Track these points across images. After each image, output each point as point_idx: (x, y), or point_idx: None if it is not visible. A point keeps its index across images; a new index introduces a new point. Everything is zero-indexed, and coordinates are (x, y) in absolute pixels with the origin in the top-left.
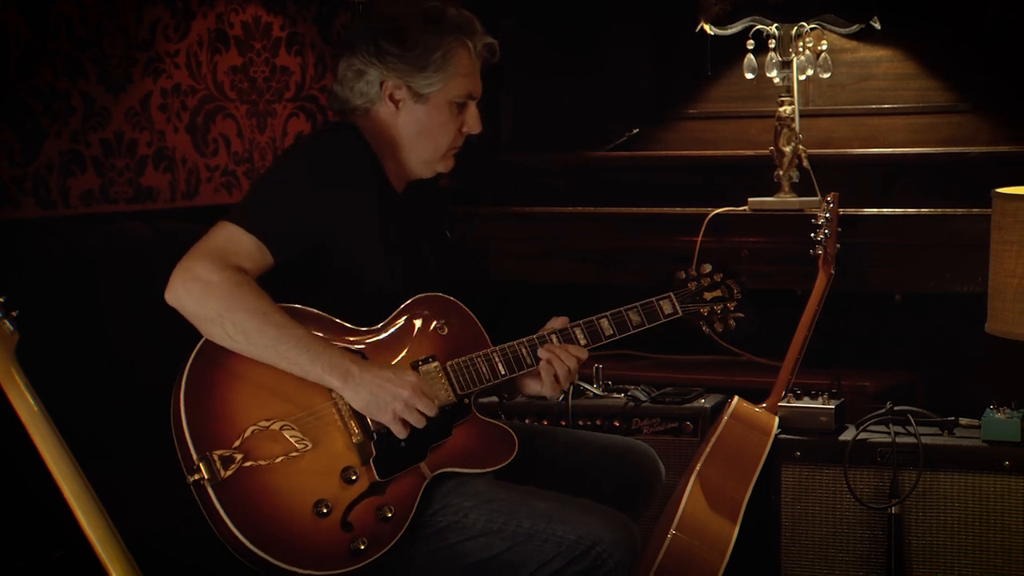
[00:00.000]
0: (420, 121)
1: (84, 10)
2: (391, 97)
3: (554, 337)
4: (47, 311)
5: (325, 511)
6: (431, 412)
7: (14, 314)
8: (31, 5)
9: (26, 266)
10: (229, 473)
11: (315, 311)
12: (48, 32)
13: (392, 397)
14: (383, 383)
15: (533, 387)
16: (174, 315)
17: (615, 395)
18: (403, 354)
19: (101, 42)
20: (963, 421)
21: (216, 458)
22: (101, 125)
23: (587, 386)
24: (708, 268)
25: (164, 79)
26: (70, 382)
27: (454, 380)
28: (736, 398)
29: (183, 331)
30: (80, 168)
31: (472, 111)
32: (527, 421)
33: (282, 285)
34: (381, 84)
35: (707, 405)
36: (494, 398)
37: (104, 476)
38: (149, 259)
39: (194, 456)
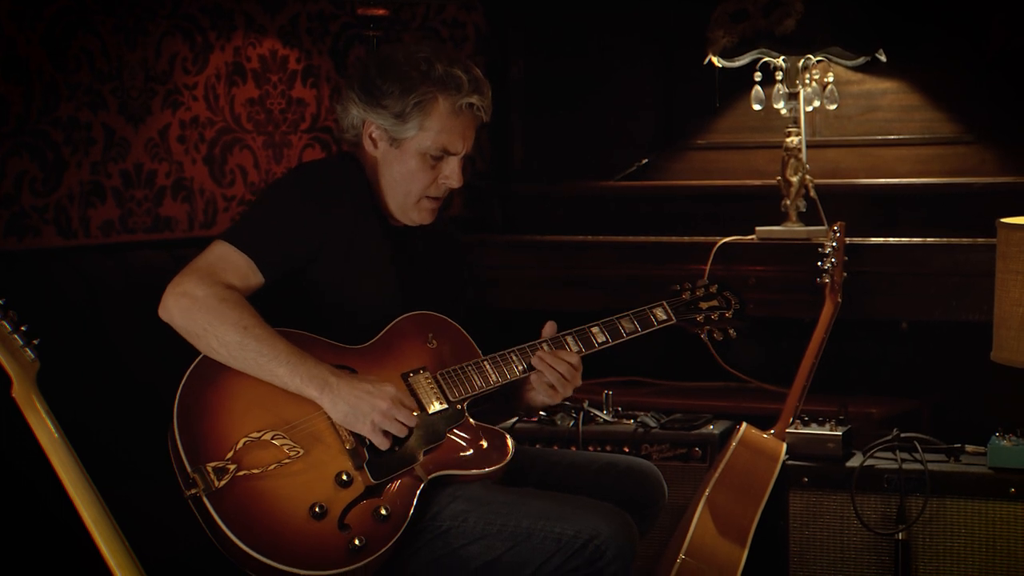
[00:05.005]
0: (393, 165)
1: (105, 44)
2: (370, 136)
3: (545, 345)
4: (68, 340)
5: (321, 512)
6: (411, 422)
7: (35, 342)
8: (53, 40)
9: (47, 295)
10: (223, 483)
11: (304, 333)
12: (70, 66)
13: (370, 408)
14: (361, 394)
15: (537, 398)
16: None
17: (625, 421)
18: (393, 367)
19: (122, 75)
20: (969, 448)
21: (210, 470)
22: (121, 156)
23: (597, 412)
24: (703, 281)
25: (183, 111)
26: (90, 409)
27: (446, 388)
28: (744, 424)
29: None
30: (101, 199)
31: (452, 165)
32: (537, 446)
33: (274, 307)
34: (363, 123)
35: (716, 431)
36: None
37: (127, 498)
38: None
39: (189, 470)
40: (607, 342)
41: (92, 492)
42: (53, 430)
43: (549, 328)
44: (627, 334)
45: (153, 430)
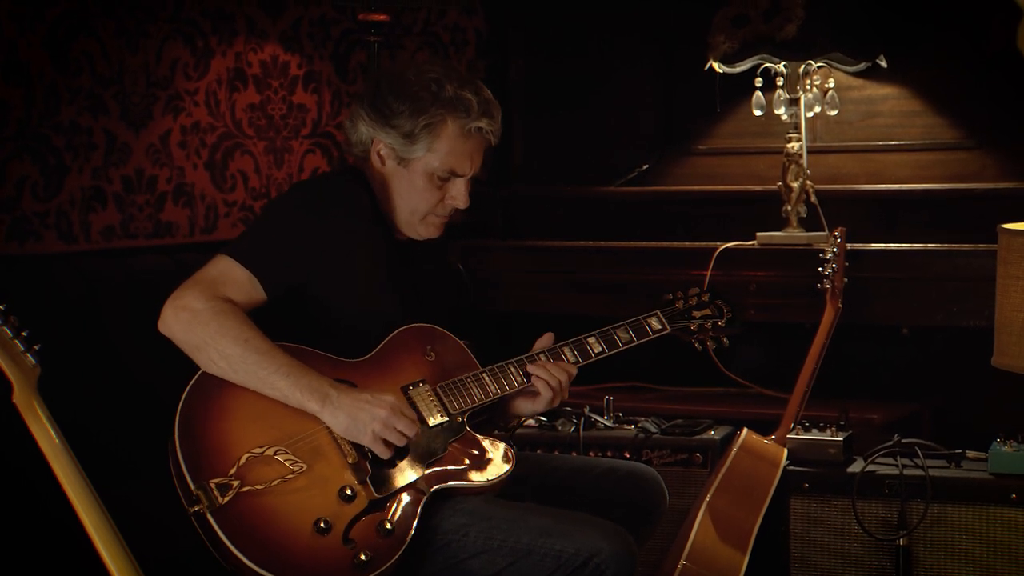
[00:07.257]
0: (400, 183)
1: (106, 49)
2: (378, 153)
3: (542, 356)
4: (68, 344)
5: (325, 528)
6: (411, 431)
7: (36, 348)
8: (55, 43)
9: (48, 300)
10: (227, 499)
11: (303, 347)
12: (71, 69)
13: (371, 418)
14: (361, 404)
15: (524, 407)
16: None
17: (626, 427)
18: (392, 379)
19: (123, 79)
20: (970, 454)
21: (213, 486)
22: (122, 161)
23: (598, 418)
24: (696, 290)
25: (184, 116)
26: (91, 412)
27: (445, 400)
28: (745, 430)
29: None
30: (102, 204)
31: (459, 186)
32: (538, 452)
33: (273, 321)
34: (372, 140)
35: (716, 437)
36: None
37: (127, 499)
38: (167, 294)
39: (192, 487)
40: (603, 352)
41: (92, 496)
42: (53, 435)
43: (546, 339)
44: (623, 344)
45: (153, 432)
